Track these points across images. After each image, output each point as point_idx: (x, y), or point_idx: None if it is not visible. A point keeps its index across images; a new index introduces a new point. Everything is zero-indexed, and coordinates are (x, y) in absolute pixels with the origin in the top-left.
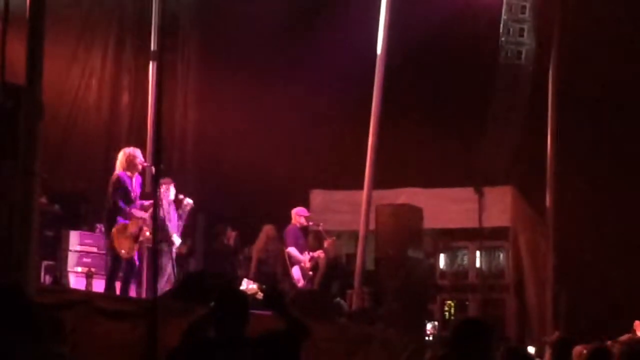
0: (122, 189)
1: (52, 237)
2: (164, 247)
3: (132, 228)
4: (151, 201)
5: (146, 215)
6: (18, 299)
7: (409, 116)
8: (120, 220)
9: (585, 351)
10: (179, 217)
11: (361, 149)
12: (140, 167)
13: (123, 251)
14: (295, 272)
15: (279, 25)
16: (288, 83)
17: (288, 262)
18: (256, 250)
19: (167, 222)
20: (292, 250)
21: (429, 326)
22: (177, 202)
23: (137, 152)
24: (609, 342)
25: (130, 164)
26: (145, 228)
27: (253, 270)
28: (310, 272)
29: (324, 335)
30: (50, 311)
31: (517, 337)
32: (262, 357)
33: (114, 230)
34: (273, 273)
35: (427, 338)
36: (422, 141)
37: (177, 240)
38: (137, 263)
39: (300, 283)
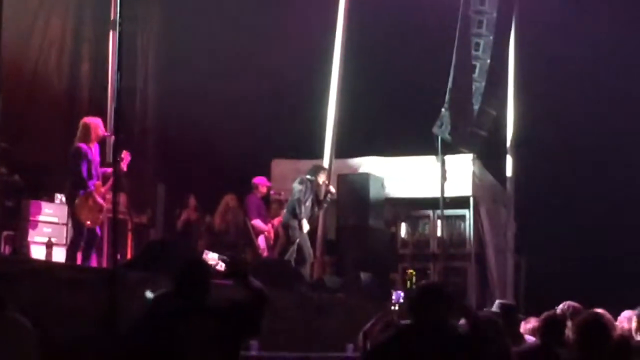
0: (84, 160)
1: (12, 207)
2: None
3: (96, 199)
4: (111, 169)
5: None
6: None
7: (370, 85)
8: (82, 192)
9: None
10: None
11: (322, 118)
12: (99, 136)
13: (88, 222)
14: (261, 241)
15: None
16: (251, 53)
17: (252, 232)
18: (217, 220)
19: (302, 206)
20: (256, 222)
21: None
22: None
23: (97, 122)
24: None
25: (89, 134)
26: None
27: (215, 240)
28: (272, 242)
29: (285, 304)
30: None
31: (478, 305)
32: (224, 327)
33: (77, 201)
34: (234, 243)
35: (393, 307)
36: (383, 110)
37: (306, 226)
38: (99, 233)
39: (265, 253)
